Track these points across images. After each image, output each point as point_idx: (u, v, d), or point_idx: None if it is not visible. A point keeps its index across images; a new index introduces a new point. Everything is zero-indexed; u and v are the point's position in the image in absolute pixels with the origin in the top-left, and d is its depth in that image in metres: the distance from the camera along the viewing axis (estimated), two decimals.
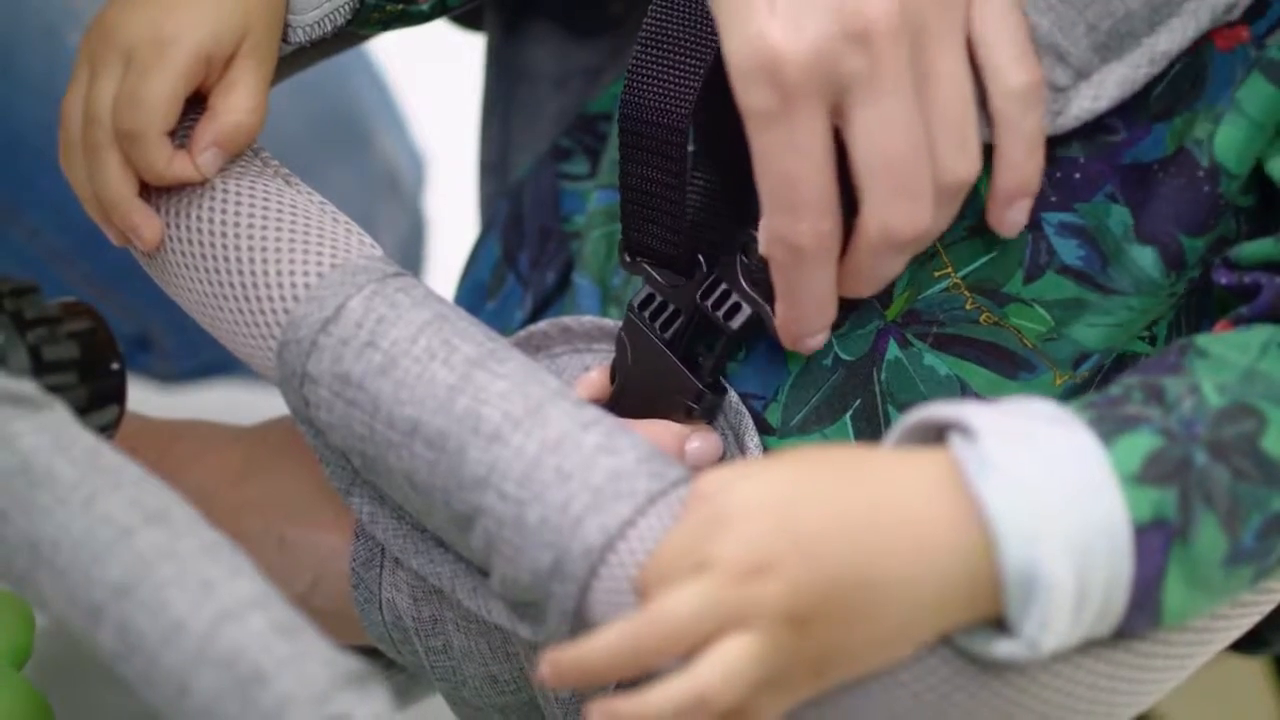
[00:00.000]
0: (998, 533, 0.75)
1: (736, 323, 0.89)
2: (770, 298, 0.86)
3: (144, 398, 1.33)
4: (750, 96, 0.79)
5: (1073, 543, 0.75)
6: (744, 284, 0.89)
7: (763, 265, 0.85)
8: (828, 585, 0.75)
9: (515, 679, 0.94)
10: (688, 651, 0.75)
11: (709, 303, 0.90)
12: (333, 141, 1.40)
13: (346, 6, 0.94)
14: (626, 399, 0.92)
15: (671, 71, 0.87)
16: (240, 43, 0.89)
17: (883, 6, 0.78)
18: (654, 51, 0.88)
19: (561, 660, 0.75)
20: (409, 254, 1.54)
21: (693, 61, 0.87)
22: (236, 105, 0.89)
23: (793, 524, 0.75)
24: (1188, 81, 0.85)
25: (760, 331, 0.89)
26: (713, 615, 0.74)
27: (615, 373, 0.93)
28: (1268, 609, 0.87)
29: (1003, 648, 0.77)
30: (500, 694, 0.94)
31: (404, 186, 1.52)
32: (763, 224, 0.82)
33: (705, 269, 0.90)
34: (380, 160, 1.47)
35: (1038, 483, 0.75)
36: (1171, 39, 0.84)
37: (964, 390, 0.90)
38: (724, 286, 0.90)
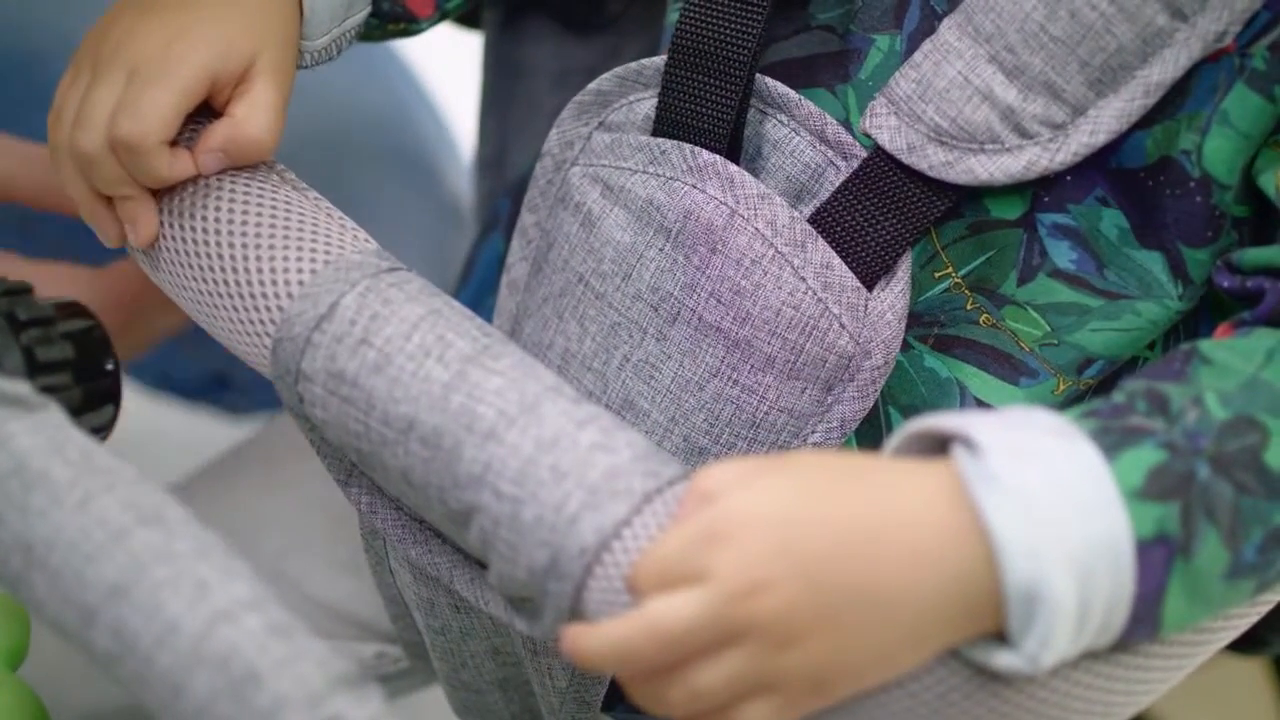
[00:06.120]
0: (1000, 550, 0.75)
1: None
2: None
3: (217, 431, 1.40)
4: None
5: (1075, 560, 0.75)
6: None
7: None
8: (825, 606, 0.74)
9: (516, 651, 0.94)
10: (679, 660, 0.75)
11: None
12: (406, 178, 1.40)
13: (353, 31, 0.94)
14: None
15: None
16: (250, 64, 0.88)
17: None
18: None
19: (575, 639, 0.75)
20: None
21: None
22: (257, 121, 0.88)
23: (794, 544, 0.75)
24: (1170, 89, 0.85)
25: None
26: (708, 630, 0.74)
27: None
28: (1265, 610, 0.87)
29: (1003, 660, 0.77)
30: (502, 666, 0.94)
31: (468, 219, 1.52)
32: None
33: None
34: (449, 194, 1.46)
35: (1041, 499, 0.75)
36: (1164, 69, 0.84)
37: (964, 394, 0.90)
38: None
